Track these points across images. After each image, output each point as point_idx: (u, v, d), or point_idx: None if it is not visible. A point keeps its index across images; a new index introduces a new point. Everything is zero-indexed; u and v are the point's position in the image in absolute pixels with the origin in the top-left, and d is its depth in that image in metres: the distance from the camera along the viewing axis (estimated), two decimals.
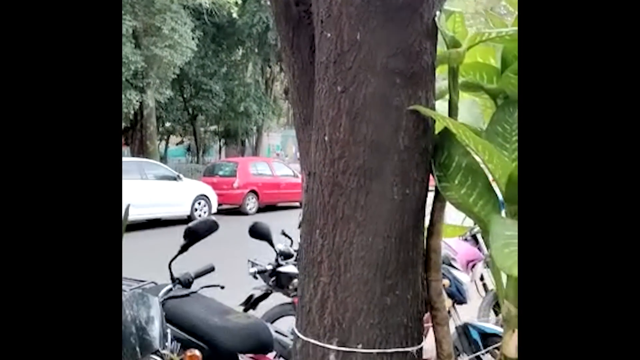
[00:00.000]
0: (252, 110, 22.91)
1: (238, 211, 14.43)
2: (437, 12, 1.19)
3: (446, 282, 3.59)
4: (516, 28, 1.29)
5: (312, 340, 1.24)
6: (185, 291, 2.43)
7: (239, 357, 2.27)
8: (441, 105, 1.63)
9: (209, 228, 2.42)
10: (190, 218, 12.66)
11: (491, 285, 4.50)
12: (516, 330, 1.23)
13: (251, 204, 14.79)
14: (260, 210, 14.98)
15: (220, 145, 30.15)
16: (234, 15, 16.76)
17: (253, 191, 14.84)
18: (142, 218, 11.53)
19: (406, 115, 1.19)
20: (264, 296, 3.67)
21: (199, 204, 13.08)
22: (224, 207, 14.40)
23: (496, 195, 1.27)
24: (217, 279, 2.58)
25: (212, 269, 2.59)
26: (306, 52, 1.31)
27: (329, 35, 1.16)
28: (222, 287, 2.62)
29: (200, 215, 12.96)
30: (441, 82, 1.41)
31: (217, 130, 27.32)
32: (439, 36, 1.25)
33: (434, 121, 1.28)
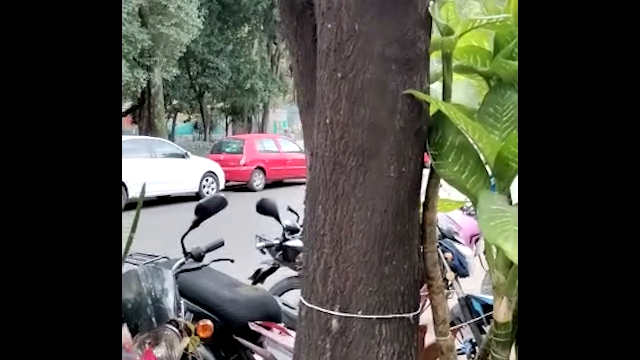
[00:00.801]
0: (258, 87, 22.95)
1: (245, 188, 14.57)
2: (431, 2, 1.27)
3: (449, 255, 3.69)
4: (507, 15, 1.37)
5: (316, 307, 1.35)
6: (197, 264, 2.54)
7: (250, 325, 2.39)
8: (439, 87, 1.72)
9: (219, 204, 2.52)
10: (198, 195, 12.83)
11: None
12: (505, 297, 1.34)
13: (258, 181, 14.92)
14: (267, 186, 15.12)
15: (227, 123, 30.25)
16: None
17: (260, 168, 14.96)
18: (151, 195, 11.71)
19: (402, 99, 1.28)
20: (271, 270, 3.79)
21: (207, 180, 13.23)
22: (232, 183, 14.55)
23: (486, 171, 1.37)
24: (226, 253, 2.69)
25: (222, 244, 2.70)
26: (309, 40, 1.39)
27: (329, 25, 1.25)
28: (232, 261, 2.74)
29: (208, 192, 13.11)
30: (436, 65, 1.49)
31: (224, 108, 27.40)
32: (433, 24, 1.33)
33: (429, 104, 1.37)
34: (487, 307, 3.48)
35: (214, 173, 13.40)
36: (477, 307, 3.52)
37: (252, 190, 14.47)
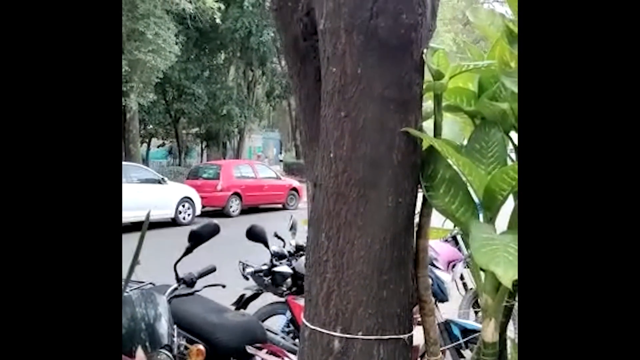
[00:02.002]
0: (234, 113, 23.07)
1: (221, 213, 14.56)
2: (425, 50, 1.41)
3: (428, 279, 3.81)
4: (491, 61, 1.52)
5: (319, 329, 1.45)
6: (190, 290, 2.62)
7: (247, 348, 2.46)
8: (429, 124, 1.86)
9: (212, 231, 2.61)
10: (174, 221, 12.79)
11: (471, 284, 4.73)
12: (493, 319, 1.46)
13: (234, 206, 14.94)
14: (243, 212, 15.14)
15: (202, 148, 30.20)
16: (217, 20, 16.92)
17: (236, 193, 15.00)
18: (127, 221, 11.61)
19: (399, 136, 1.40)
20: (255, 296, 3.86)
21: (183, 206, 13.21)
22: (208, 209, 14.53)
23: (474, 202, 1.50)
24: (207, 279, 2.77)
25: (213, 270, 2.78)
26: (312, 80, 1.52)
27: (334, 69, 1.38)
28: (224, 286, 2.82)
29: (184, 218, 13.08)
30: (428, 104, 1.63)
31: (199, 133, 27.39)
32: (426, 69, 1.47)
33: (422, 140, 1.50)
34: (466, 332, 3.59)
35: (190, 199, 13.39)
36: (456, 331, 3.62)
37: (228, 216, 14.47)
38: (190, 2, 15.56)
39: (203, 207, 13.98)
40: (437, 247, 4.08)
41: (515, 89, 1.44)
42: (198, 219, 13.45)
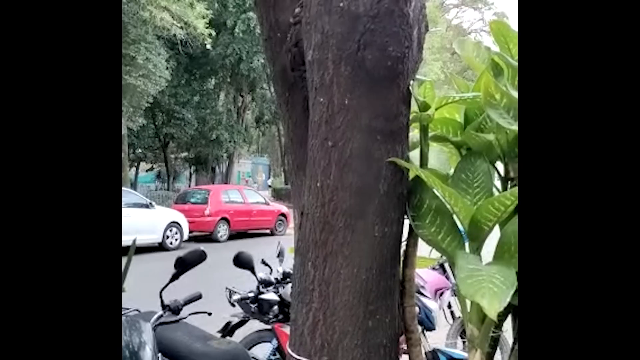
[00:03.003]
0: (223, 138, 23.13)
1: (209, 238, 14.47)
2: (411, 82, 1.43)
3: (416, 309, 3.80)
4: (476, 93, 1.55)
5: (304, 359, 1.44)
6: (175, 317, 2.58)
7: None
8: (416, 153, 1.87)
9: (199, 258, 2.59)
10: (161, 245, 12.68)
11: (458, 313, 4.72)
12: (479, 349, 1.45)
13: (222, 231, 14.86)
14: (231, 237, 15.06)
15: (190, 172, 30.14)
16: (208, 46, 17.05)
17: (224, 219, 14.93)
18: None
19: (385, 166, 1.41)
20: (241, 323, 3.81)
21: (171, 231, 13.10)
22: (196, 234, 14.44)
23: (461, 232, 1.50)
24: (193, 306, 2.74)
25: (199, 297, 2.75)
26: (299, 110, 1.53)
27: (321, 99, 1.39)
28: (210, 314, 2.78)
29: (171, 243, 12.98)
30: (414, 134, 1.65)
31: (188, 157, 27.37)
32: (413, 99, 1.49)
33: (409, 170, 1.51)
34: None
35: (178, 223, 13.29)
36: None
37: (216, 241, 14.38)
38: (182, 28, 15.68)
39: (191, 232, 13.88)
40: (425, 275, 4.07)
41: (501, 121, 1.46)
42: (185, 244, 13.36)
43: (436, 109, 1.55)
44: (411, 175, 1.54)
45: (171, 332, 2.67)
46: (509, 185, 1.68)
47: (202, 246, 2.63)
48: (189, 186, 26.62)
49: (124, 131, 17.84)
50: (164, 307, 2.57)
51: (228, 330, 3.78)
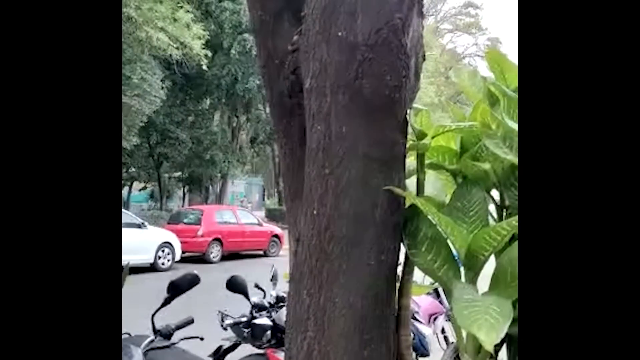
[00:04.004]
0: (217, 158, 23.13)
1: (202, 259, 14.38)
2: (408, 110, 1.44)
3: (410, 338, 3.77)
4: (472, 122, 1.55)
5: None
6: (166, 342, 2.55)
7: None
8: (413, 181, 1.87)
9: (191, 282, 2.57)
10: (153, 266, 12.58)
11: (452, 338, 4.68)
12: None
13: (215, 252, 14.77)
14: (224, 258, 14.96)
15: (184, 192, 30.05)
16: (204, 67, 17.14)
17: (217, 239, 14.85)
18: None
19: (382, 194, 1.41)
20: (233, 347, 3.76)
21: (163, 251, 13.01)
22: (188, 255, 14.34)
23: (457, 261, 1.50)
24: (185, 331, 2.71)
25: (191, 322, 2.72)
26: (296, 137, 1.53)
27: (319, 127, 1.40)
28: (202, 339, 2.76)
29: (163, 264, 12.88)
30: (411, 162, 1.65)
31: (181, 177, 27.30)
32: (410, 128, 1.50)
33: (405, 198, 1.51)
34: None
35: (170, 244, 13.21)
36: None
37: (208, 262, 14.29)
38: (178, 48, 15.77)
39: (183, 252, 13.79)
40: (419, 300, 4.05)
41: (497, 151, 1.47)
42: (177, 265, 13.26)
43: (432, 137, 1.55)
44: (407, 203, 1.53)
45: (162, 357, 2.63)
46: (505, 214, 1.68)
47: (195, 267, 2.62)
48: (182, 206, 26.53)
49: None
50: (155, 331, 2.54)
51: (220, 354, 3.73)
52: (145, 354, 2.41)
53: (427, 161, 1.72)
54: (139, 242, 12.34)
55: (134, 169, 24.62)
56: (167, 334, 2.55)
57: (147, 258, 12.55)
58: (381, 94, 1.37)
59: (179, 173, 26.91)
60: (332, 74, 1.37)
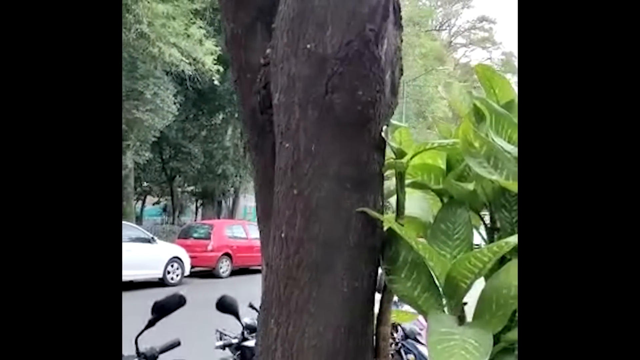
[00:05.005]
0: (229, 172, 23.12)
1: (211, 274, 14.31)
2: (384, 127, 1.35)
3: (411, 357, 3.65)
4: (455, 140, 1.46)
5: None
6: None
7: None
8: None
9: (177, 303, 2.48)
10: (162, 281, 12.54)
11: None
12: None
13: (224, 267, 14.69)
14: (233, 273, 14.87)
15: (196, 206, 30.09)
16: (216, 82, 17.18)
17: (227, 254, 14.77)
18: None
19: (355, 216, 1.32)
20: None
21: (172, 266, 12.98)
22: (197, 269, 14.28)
23: (438, 288, 1.40)
24: (185, 345, 2.61)
25: (178, 344, 2.63)
26: (268, 155, 1.45)
27: (287, 145, 1.31)
28: None
29: (172, 279, 12.84)
30: (392, 182, 1.56)
31: (195, 191, 27.35)
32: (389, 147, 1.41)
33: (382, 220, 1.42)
34: None
35: (179, 259, 13.17)
36: None
37: (218, 276, 14.22)
38: (190, 64, 15.83)
39: (193, 267, 13.74)
40: (423, 320, 3.92)
41: (480, 171, 1.37)
42: (187, 280, 13.21)
43: (413, 156, 1.46)
44: (386, 225, 1.44)
45: None
46: (496, 236, 1.58)
47: (204, 282, 2.51)
48: (195, 220, 26.53)
49: (131, 164, 17.92)
50: (138, 354, 2.45)
51: None
52: None
53: (411, 180, 1.63)
54: (148, 256, 12.35)
55: (146, 184, 24.74)
56: (151, 358, 2.46)
57: (156, 273, 12.52)
58: (353, 110, 1.28)
59: (192, 187, 26.96)
60: (300, 88, 1.29)
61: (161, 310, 2.43)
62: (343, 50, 1.26)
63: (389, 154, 1.45)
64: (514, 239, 1.17)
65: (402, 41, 1.41)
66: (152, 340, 2.56)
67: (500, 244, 1.21)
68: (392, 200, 1.55)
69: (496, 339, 1.36)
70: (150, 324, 2.43)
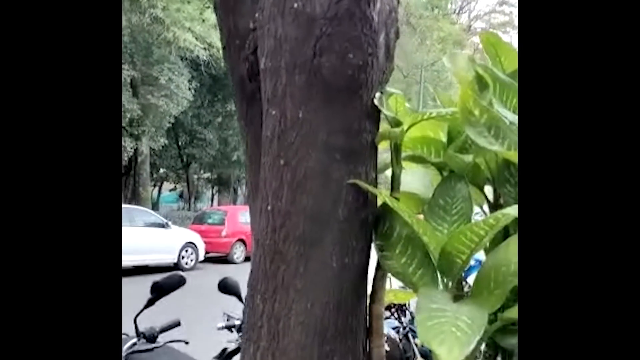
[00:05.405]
0: (244, 159, 23.10)
1: (225, 260, 14.34)
2: (378, 94, 1.27)
3: (419, 341, 3.58)
4: (454, 109, 1.38)
5: None
6: (150, 346, 2.42)
7: None
8: (404, 174, 1.70)
9: (177, 283, 2.44)
10: (176, 266, 12.58)
11: None
12: None
13: (238, 253, 14.70)
14: (247, 259, 14.89)
15: (212, 193, 30.20)
16: None
17: (241, 240, 14.78)
18: (129, 265, 11.45)
19: (346, 188, 1.25)
20: (238, 350, 3.63)
21: (186, 251, 13.01)
22: (212, 255, 14.32)
23: (434, 265, 1.32)
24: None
25: (178, 324, 2.59)
26: (258, 124, 1.38)
27: (273, 112, 1.24)
28: (187, 343, 2.62)
29: (187, 264, 12.88)
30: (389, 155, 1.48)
31: (210, 178, 27.43)
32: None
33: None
34: None
35: (193, 244, 13.20)
36: None
37: (232, 262, 14.24)
38: (205, 49, 15.76)
39: (207, 252, 13.77)
40: None
41: (480, 141, 1.29)
42: (201, 265, 13.25)
43: (410, 126, 1.38)
44: (379, 200, 1.37)
45: (155, 359, 2.52)
46: None
47: (218, 267, 2.44)
48: (211, 206, 26.63)
49: (146, 150, 17.97)
50: (138, 334, 2.42)
51: (224, 357, 3.60)
52: (126, 357, 2.29)
53: (410, 153, 1.55)
54: (163, 241, 12.39)
55: (163, 170, 24.85)
56: (150, 337, 2.42)
57: (170, 258, 12.57)
58: (343, 74, 1.21)
59: (208, 174, 27.02)
60: (287, 51, 1.21)
61: (160, 290, 2.39)
62: (332, 9, 1.18)
63: (384, 127, 1.37)
64: (512, 210, 1.09)
65: (398, 2, 1.32)
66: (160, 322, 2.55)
67: (497, 215, 1.13)
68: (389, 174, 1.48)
69: (494, 317, 1.29)
70: (149, 303, 2.39)
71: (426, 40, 25.81)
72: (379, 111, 1.31)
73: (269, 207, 1.25)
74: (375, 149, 1.33)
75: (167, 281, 2.42)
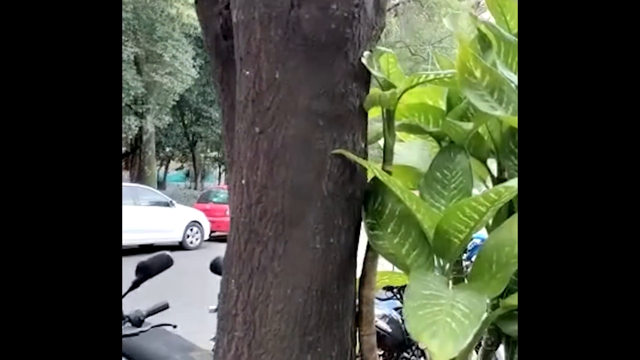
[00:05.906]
0: None
1: None
2: (366, 52, 1.12)
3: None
4: (453, 70, 1.22)
5: None
6: (135, 330, 2.31)
7: None
8: (401, 146, 1.56)
9: (164, 264, 2.32)
10: (181, 244, 12.54)
11: None
12: None
13: None
14: None
15: (219, 172, 30.11)
16: None
17: None
18: (134, 243, 11.39)
19: (330, 159, 1.11)
20: None
21: (191, 230, 12.94)
22: (217, 234, 14.25)
23: (429, 246, 1.19)
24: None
25: (166, 307, 2.47)
26: (234, 88, 1.23)
27: (247, 73, 1.09)
28: (175, 326, 2.51)
29: (192, 242, 12.83)
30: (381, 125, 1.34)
31: (217, 157, 27.32)
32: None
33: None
34: None
35: (198, 223, 13.12)
36: None
37: None
38: None
39: (212, 231, 13.70)
40: None
41: (480, 105, 1.14)
42: (206, 244, 13.20)
43: (405, 90, 1.22)
44: (370, 173, 1.23)
45: (148, 342, 2.41)
46: None
47: (222, 246, 2.33)
48: (218, 185, 26.57)
49: (152, 129, 17.83)
50: (122, 317, 2.30)
51: None
52: None
53: (407, 122, 1.41)
54: (167, 220, 12.31)
55: (169, 149, 24.74)
56: (136, 321, 2.30)
57: (175, 237, 12.50)
58: (325, 28, 1.06)
59: (215, 153, 26.90)
60: (261, 2, 1.06)
61: (146, 271, 2.27)
62: None
63: (374, 90, 1.22)
64: (515, 183, 0.95)
65: None
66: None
67: (498, 189, 0.98)
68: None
69: (497, 303, 1.16)
70: (134, 285, 2.27)
71: (434, 17, 25.30)
72: (369, 73, 1.16)
73: (244, 181, 1.11)
74: (365, 115, 1.18)
75: (154, 261, 2.30)
